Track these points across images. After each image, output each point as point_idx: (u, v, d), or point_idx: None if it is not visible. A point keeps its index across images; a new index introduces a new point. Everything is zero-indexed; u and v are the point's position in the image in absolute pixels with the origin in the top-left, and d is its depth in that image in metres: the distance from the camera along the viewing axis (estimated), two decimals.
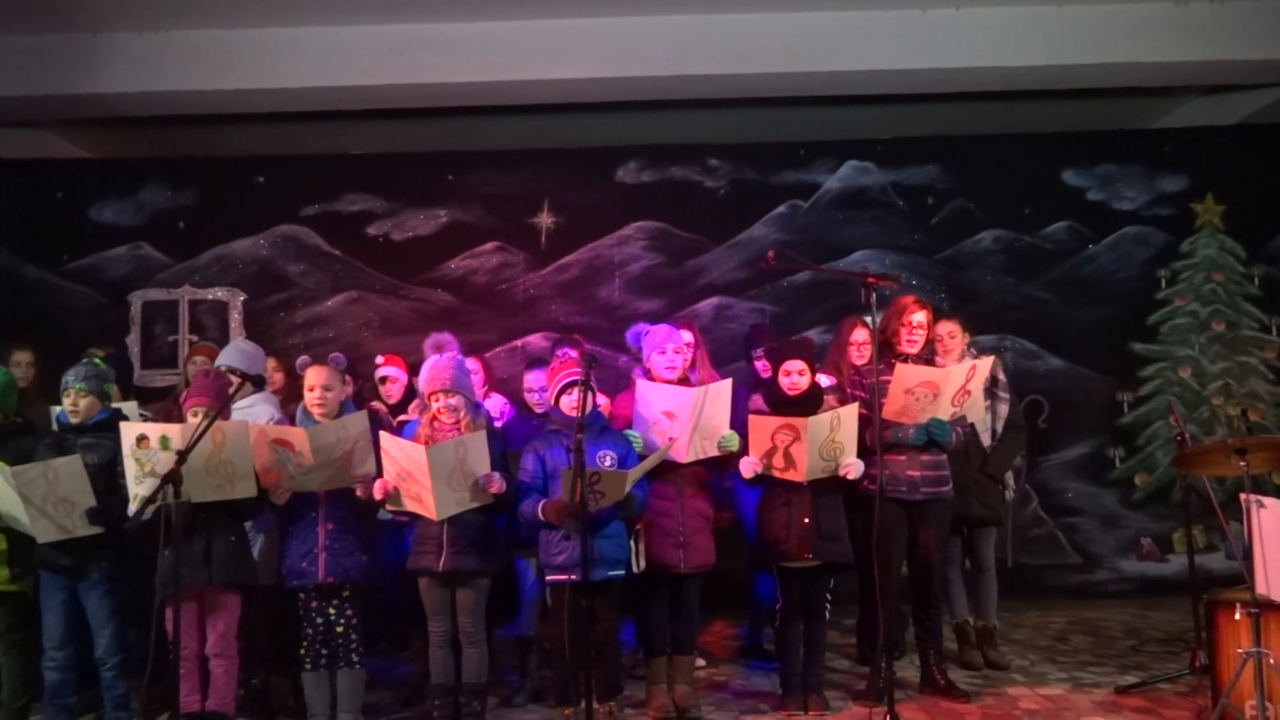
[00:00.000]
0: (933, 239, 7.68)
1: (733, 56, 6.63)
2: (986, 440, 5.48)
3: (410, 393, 5.36)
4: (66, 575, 4.32)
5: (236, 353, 5.15)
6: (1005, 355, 7.12)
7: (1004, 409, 5.54)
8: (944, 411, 4.73)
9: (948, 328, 5.36)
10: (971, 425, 5.24)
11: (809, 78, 6.79)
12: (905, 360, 4.77)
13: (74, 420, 4.37)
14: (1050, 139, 7.77)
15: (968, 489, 5.37)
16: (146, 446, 4.04)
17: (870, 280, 4.39)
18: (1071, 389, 7.51)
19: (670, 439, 4.45)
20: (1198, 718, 4.46)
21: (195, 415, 4.20)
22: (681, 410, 4.45)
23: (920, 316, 4.86)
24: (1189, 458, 4.68)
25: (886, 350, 4.87)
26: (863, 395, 4.76)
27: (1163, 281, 7.62)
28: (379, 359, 5.50)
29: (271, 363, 5.27)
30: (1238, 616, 3.98)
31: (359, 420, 4.24)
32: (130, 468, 4.08)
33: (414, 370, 5.36)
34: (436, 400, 4.34)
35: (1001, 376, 5.60)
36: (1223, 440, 4.94)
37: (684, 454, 4.50)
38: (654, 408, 4.50)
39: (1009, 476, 5.70)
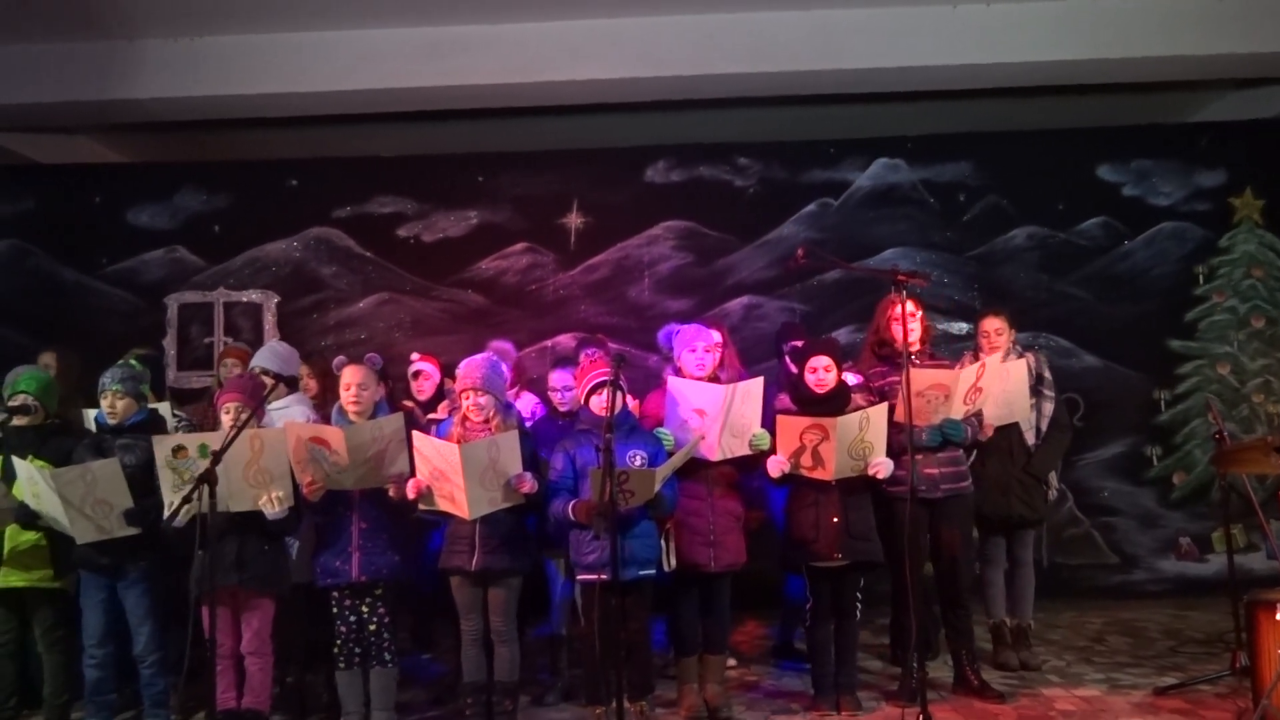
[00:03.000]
0: (964, 236, 7.61)
1: (758, 54, 6.60)
2: (1031, 439, 5.41)
3: (440, 393, 5.40)
4: (106, 574, 4.39)
5: (271, 354, 5.22)
6: (1040, 353, 7.04)
7: (1049, 407, 5.46)
8: (956, 411, 4.70)
9: (995, 324, 5.30)
10: (1015, 424, 5.19)
11: (837, 75, 6.74)
12: (911, 357, 4.69)
13: (112, 421, 4.44)
14: (1084, 134, 7.67)
15: (1011, 489, 5.32)
16: (185, 456, 4.10)
17: (900, 278, 4.36)
18: (1107, 387, 7.42)
19: (699, 435, 4.45)
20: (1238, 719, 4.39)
21: (228, 413, 4.26)
22: (712, 408, 4.44)
23: (907, 306, 4.72)
24: (1228, 456, 4.61)
25: (887, 349, 4.82)
26: (873, 399, 4.69)
27: (1200, 277, 7.51)
28: (414, 355, 5.55)
29: (305, 369, 5.33)
30: (1279, 617, 3.91)
31: (394, 420, 4.27)
32: (167, 478, 4.13)
33: (448, 371, 5.41)
34: (466, 398, 4.36)
35: (1047, 374, 5.52)
36: (1262, 438, 4.87)
37: (714, 451, 4.49)
38: (686, 405, 4.49)
39: (1051, 476, 5.63)
